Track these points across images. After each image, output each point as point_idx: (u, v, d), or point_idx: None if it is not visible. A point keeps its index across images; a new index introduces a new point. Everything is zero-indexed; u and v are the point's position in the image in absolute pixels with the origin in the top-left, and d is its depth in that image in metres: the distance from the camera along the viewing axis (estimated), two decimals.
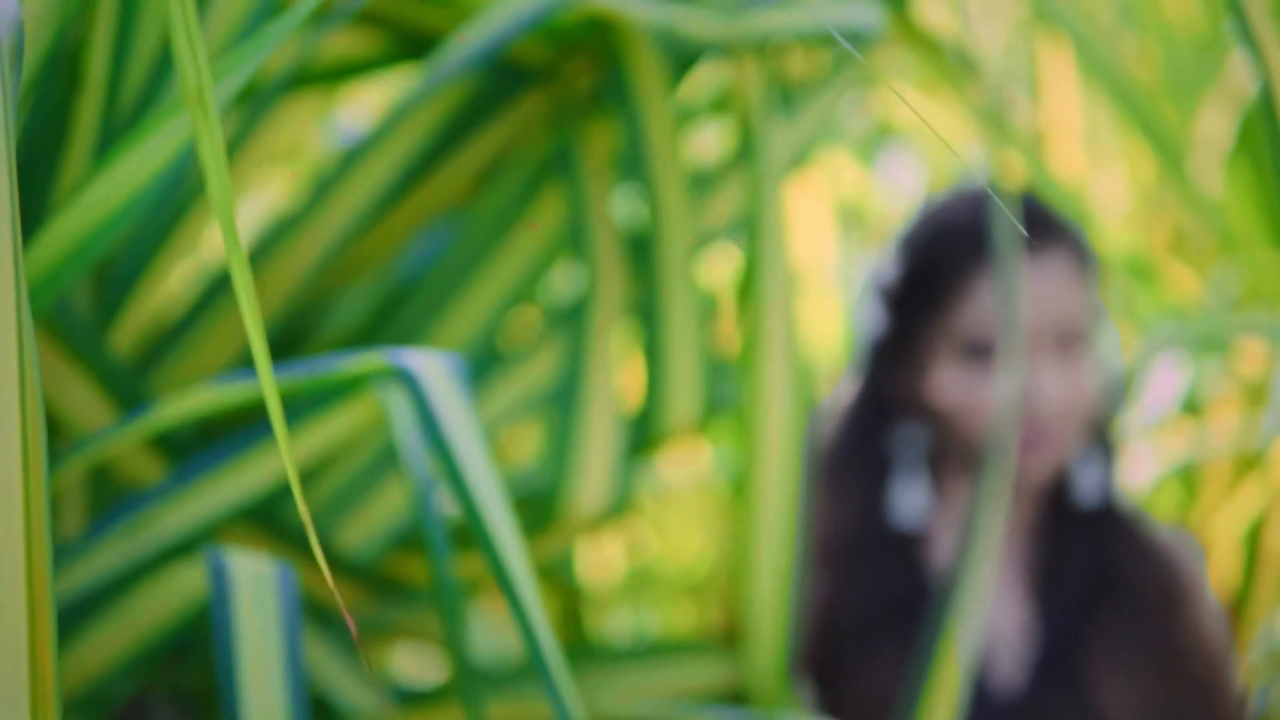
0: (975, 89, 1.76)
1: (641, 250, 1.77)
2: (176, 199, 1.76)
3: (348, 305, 2.05)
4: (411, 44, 1.90)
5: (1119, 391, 2.32)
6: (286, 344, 1.96)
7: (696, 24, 1.70)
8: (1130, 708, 2.12)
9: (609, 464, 1.74)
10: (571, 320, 1.76)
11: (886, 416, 2.16)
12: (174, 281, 1.82)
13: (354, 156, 1.80)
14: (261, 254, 1.86)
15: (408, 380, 1.23)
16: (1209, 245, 2.92)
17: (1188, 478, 2.58)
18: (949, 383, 2.10)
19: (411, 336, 1.92)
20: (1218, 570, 2.51)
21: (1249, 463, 2.44)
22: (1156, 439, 2.60)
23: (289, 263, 1.82)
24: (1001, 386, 2.08)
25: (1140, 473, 2.52)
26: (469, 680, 1.31)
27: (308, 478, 1.87)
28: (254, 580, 1.29)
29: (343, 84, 1.95)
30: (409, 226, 1.92)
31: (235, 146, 1.95)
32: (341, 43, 1.92)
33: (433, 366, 1.24)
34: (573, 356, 1.75)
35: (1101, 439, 2.19)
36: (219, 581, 1.28)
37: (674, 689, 1.99)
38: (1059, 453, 2.12)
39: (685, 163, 1.77)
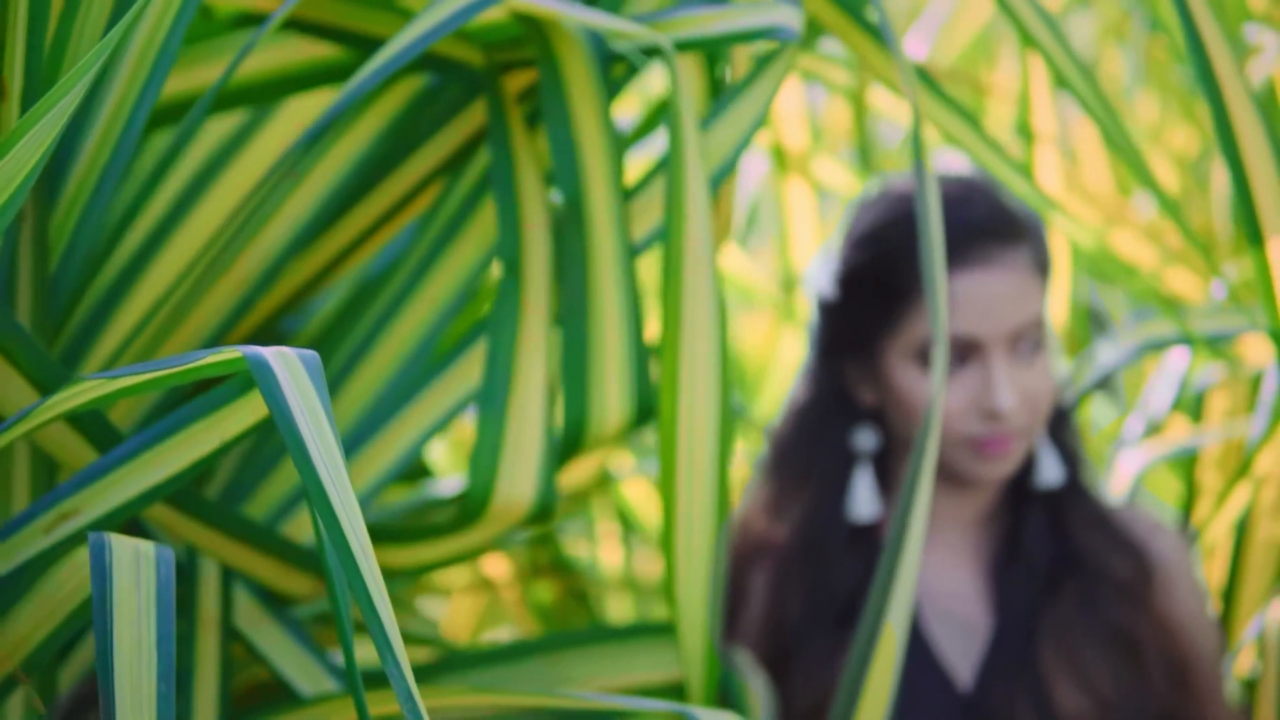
0: (909, 87, 1.79)
1: (573, 253, 1.83)
2: (118, 211, 1.86)
3: (320, 303, 2.13)
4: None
5: (1097, 380, 2.34)
6: (263, 338, 2.05)
7: (622, 27, 1.76)
8: (1089, 690, 2.14)
9: (536, 463, 1.80)
10: (502, 322, 1.83)
11: (840, 415, 2.19)
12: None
13: (304, 159, 1.88)
14: (225, 250, 1.94)
15: (262, 373, 1.30)
16: (1221, 248, 2.93)
17: (1186, 471, 2.59)
18: (903, 383, 2.12)
19: (375, 331, 2.00)
20: (1214, 562, 2.52)
21: (1245, 458, 2.44)
22: (1155, 435, 2.61)
23: (244, 261, 1.91)
24: (956, 390, 2.10)
25: (1135, 466, 2.53)
26: (355, 671, 1.38)
27: (264, 476, 1.95)
28: (132, 560, 1.37)
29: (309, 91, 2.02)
30: (365, 231, 2.00)
31: (235, 147, 2.04)
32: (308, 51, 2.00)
33: (288, 361, 1.31)
34: (502, 358, 1.81)
35: (1062, 425, 2.21)
36: (98, 561, 1.36)
37: (640, 679, 2.05)
38: (1022, 450, 2.15)
39: (616, 164, 1.83)
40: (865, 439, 2.19)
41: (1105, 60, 3.37)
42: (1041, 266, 2.15)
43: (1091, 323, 3.26)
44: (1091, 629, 2.16)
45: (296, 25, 1.92)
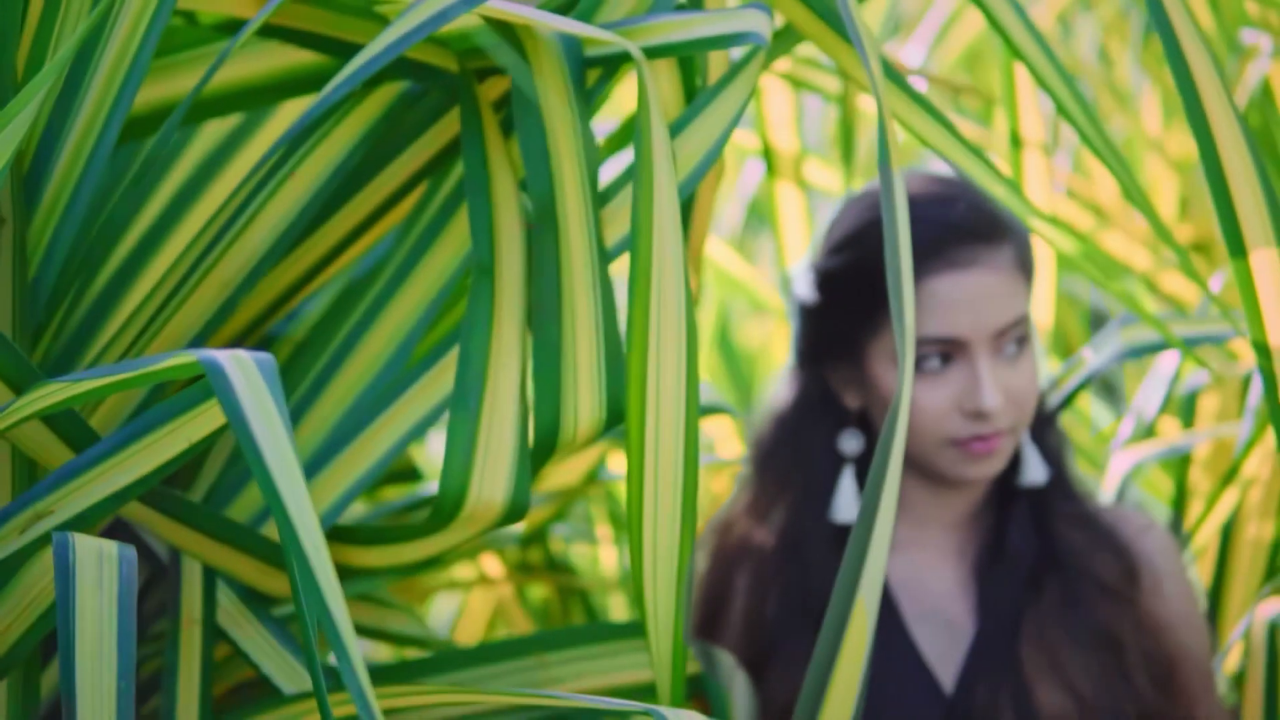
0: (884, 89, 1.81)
1: (545, 257, 1.85)
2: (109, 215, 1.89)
3: (309, 307, 2.17)
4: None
5: (1083, 381, 2.34)
6: (248, 342, 2.08)
7: (592, 34, 1.78)
8: (1070, 690, 2.14)
9: (508, 465, 1.82)
10: (475, 325, 1.85)
11: (824, 418, 2.20)
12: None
13: (279, 168, 1.90)
14: (207, 254, 1.97)
15: (216, 375, 1.33)
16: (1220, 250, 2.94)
17: (1179, 473, 2.60)
18: (888, 386, 2.13)
19: (357, 334, 2.03)
20: (1202, 563, 2.53)
21: (1234, 461, 2.45)
22: (1147, 437, 2.62)
23: (226, 266, 1.94)
24: (940, 391, 2.11)
25: (1125, 467, 2.54)
26: (317, 670, 1.40)
27: (249, 478, 1.98)
28: (95, 560, 1.40)
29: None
30: (349, 235, 2.03)
31: (227, 152, 2.07)
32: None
33: (241, 363, 1.34)
34: (474, 360, 1.84)
35: (1046, 424, 2.22)
36: (62, 560, 1.40)
37: (629, 678, 2.07)
38: (1009, 450, 2.16)
39: (590, 169, 1.85)
40: (850, 442, 2.20)
41: (1114, 63, 3.38)
42: (1025, 266, 2.16)
43: (1091, 323, 3.28)
44: (1074, 629, 2.16)
45: (278, 33, 1.95)
